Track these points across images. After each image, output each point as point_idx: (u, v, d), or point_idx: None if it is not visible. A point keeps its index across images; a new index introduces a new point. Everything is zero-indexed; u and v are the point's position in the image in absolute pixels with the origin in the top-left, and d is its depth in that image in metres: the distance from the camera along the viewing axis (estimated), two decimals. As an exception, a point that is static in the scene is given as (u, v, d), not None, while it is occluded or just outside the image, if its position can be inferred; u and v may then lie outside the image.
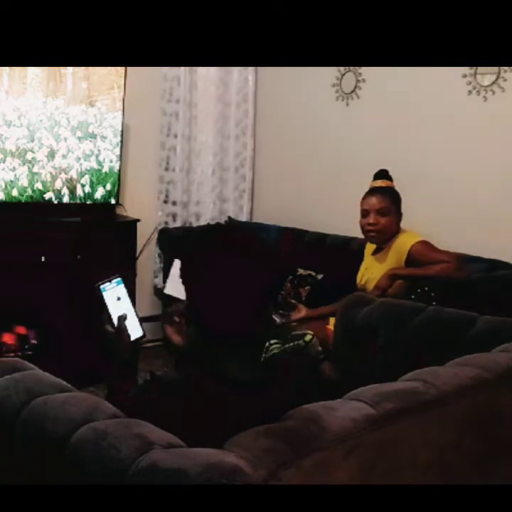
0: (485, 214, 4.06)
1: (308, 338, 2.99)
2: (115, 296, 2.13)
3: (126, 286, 2.15)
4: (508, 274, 3.55)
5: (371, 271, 3.70)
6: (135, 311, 2.16)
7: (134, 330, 2.12)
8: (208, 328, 1.72)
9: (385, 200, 3.63)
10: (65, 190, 4.49)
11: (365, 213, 3.67)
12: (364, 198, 3.70)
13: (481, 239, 3.99)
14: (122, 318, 2.05)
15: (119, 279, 2.16)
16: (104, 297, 2.09)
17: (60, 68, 4.40)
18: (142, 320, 2.11)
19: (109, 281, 2.12)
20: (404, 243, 3.57)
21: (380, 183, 3.74)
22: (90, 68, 4.43)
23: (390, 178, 3.76)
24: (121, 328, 2.03)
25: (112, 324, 2.05)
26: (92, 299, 2.08)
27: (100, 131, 4.61)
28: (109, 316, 2.07)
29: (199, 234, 3.92)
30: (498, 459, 2.02)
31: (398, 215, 3.67)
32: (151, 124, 5.15)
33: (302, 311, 3.81)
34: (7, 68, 4.20)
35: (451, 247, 3.71)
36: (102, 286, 2.09)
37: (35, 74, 4.35)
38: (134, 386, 1.91)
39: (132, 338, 2.08)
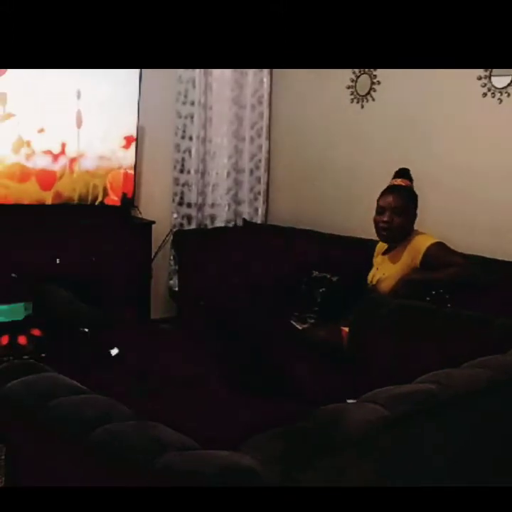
0: (500, 216, 4.04)
1: None
2: None
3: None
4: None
5: (383, 271, 3.69)
6: None
7: None
8: (228, 329, 1.73)
9: (401, 199, 3.64)
10: (81, 192, 4.50)
11: (380, 210, 3.67)
12: (381, 195, 3.70)
13: (495, 241, 3.97)
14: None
15: None
16: None
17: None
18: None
19: None
20: (420, 244, 3.56)
21: (399, 181, 3.74)
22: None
23: (410, 178, 3.76)
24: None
25: None
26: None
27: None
28: None
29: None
30: (513, 462, 2.02)
31: (413, 216, 3.67)
32: (166, 126, 5.15)
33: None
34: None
35: (466, 249, 3.70)
36: None
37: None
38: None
39: None
